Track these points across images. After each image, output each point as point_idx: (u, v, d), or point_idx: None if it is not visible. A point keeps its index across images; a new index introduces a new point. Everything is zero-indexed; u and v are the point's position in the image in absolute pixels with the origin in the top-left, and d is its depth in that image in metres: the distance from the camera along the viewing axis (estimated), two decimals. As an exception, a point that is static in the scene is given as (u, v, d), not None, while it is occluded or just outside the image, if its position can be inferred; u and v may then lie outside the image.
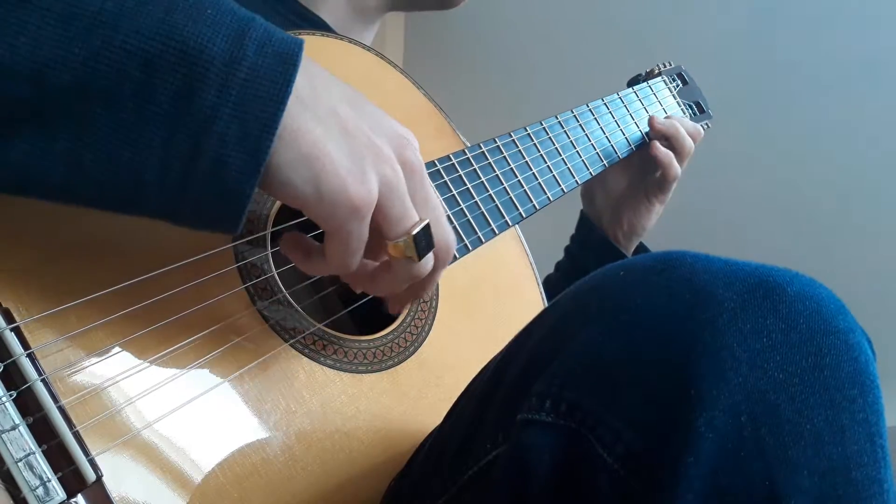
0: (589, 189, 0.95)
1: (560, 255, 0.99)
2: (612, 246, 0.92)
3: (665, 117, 0.90)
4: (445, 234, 0.47)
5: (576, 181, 0.78)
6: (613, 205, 0.93)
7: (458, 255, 0.65)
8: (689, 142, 0.87)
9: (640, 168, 0.90)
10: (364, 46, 0.70)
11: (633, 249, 0.94)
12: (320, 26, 0.78)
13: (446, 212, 0.58)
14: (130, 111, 0.35)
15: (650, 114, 0.89)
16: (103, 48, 0.34)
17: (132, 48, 0.34)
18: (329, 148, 0.39)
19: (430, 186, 0.45)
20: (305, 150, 0.38)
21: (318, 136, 0.39)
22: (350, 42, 0.69)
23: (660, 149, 0.86)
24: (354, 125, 0.41)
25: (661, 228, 0.94)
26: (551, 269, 0.99)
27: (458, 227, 0.66)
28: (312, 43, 0.66)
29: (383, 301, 0.54)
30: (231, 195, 0.37)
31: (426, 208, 0.45)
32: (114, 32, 0.34)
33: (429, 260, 0.45)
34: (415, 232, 0.43)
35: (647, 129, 0.88)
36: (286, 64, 0.38)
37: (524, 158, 0.74)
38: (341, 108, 0.41)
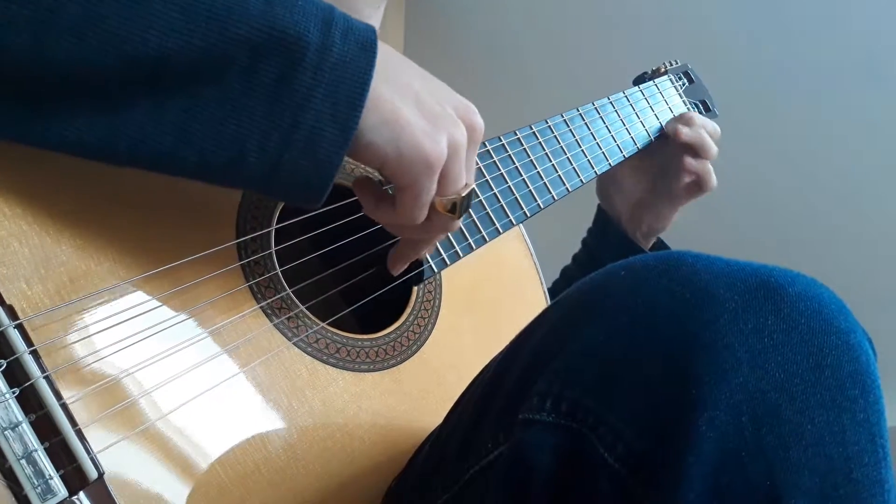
0: (604, 190, 0.94)
1: (564, 254, 0.99)
2: (631, 242, 0.91)
3: (675, 118, 0.88)
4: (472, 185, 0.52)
5: (581, 181, 0.78)
6: (632, 208, 0.91)
7: (461, 254, 0.65)
8: (714, 149, 0.86)
9: (662, 172, 0.88)
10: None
11: (650, 246, 0.93)
12: None
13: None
14: (238, 91, 0.39)
15: (656, 113, 0.89)
16: (219, 39, 0.38)
17: (242, 38, 0.39)
18: (406, 112, 0.44)
19: (476, 151, 0.50)
20: (386, 116, 0.43)
21: (396, 103, 0.44)
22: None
23: (690, 163, 0.85)
24: (426, 95, 0.46)
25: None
26: (555, 268, 0.98)
27: (461, 226, 0.66)
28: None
29: (388, 264, 0.58)
30: (322, 164, 0.41)
31: (471, 173, 0.50)
32: (226, 24, 0.38)
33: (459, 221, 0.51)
34: (464, 193, 0.48)
35: (653, 127, 0.88)
36: (367, 51, 0.42)
37: (529, 157, 0.74)
38: (414, 81, 0.46)
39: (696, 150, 0.85)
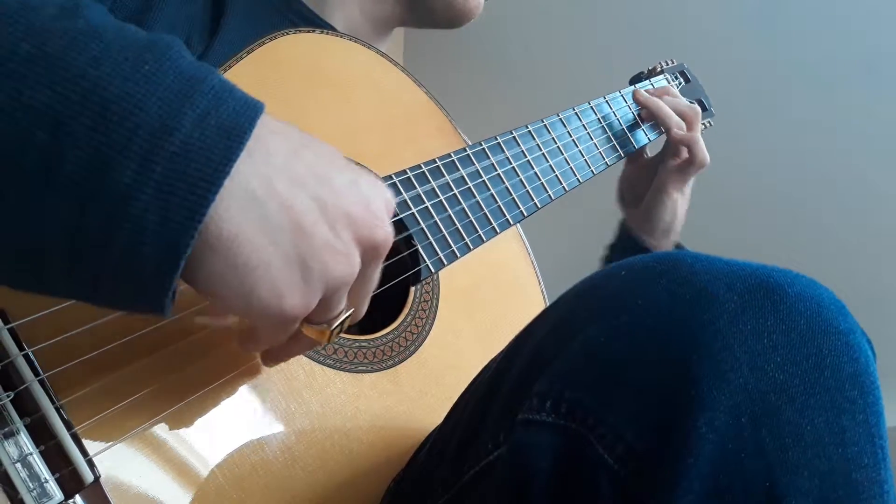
0: (621, 194, 0.94)
1: (562, 252, 0.99)
2: (646, 252, 0.88)
3: (651, 91, 0.88)
4: (362, 314, 0.44)
5: (578, 179, 0.78)
6: (646, 207, 0.90)
7: (458, 254, 0.65)
8: (696, 109, 0.85)
9: (659, 162, 0.89)
10: (366, 45, 0.70)
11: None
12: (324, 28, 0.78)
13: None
14: (35, 182, 0.29)
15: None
16: (6, 103, 0.29)
17: (40, 105, 0.29)
18: (271, 258, 0.34)
19: (379, 266, 0.42)
20: (241, 261, 0.33)
21: (260, 243, 0.33)
22: (352, 40, 0.69)
23: (677, 133, 0.84)
24: (313, 220, 0.35)
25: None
26: (552, 268, 0.98)
27: (458, 224, 0.66)
28: (313, 40, 0.66)
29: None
30: (148, 290, 0.32)
31: (362, 296, 0.42)
32: (20, 84, 0.29)
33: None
34: (336, 324, 0.40)
35: (651, 127, 0.88)
36: (230, 139, 0.32)
37: (526, 157, 0.74)
38: (300, 197, 0.35)
39: (676, 120, 0.84)
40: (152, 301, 0.33)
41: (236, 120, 0.32)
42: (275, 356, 0.46)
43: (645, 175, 0.90)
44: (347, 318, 0.41)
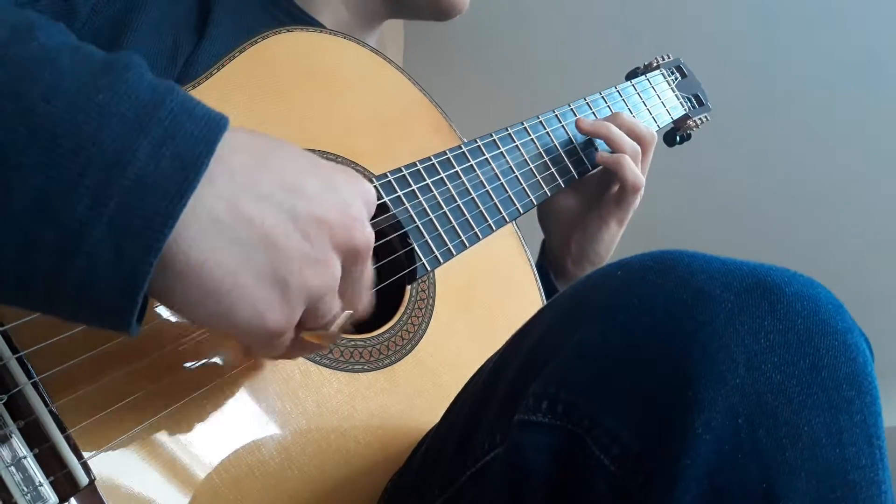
0: (541, 217, 0.84)
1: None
2: (547, 278, 0.80)
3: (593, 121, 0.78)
4: (364, 308, 0.43)
5: (574, 175, 0.77)
6: (563, 229, 0.81)
7: (454, 252, 0.64)
8: (627, 142, 0.75)
9: (599, 185, 0.79)
10: (360, 43, 0.70)
11: None
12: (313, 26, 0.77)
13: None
14: None
15: (648, 107, 0.88)
16: None
17: None
18: (245, 279, 0.33)
19: (368, 265, 0.41)
20: (214, 286, 0.32)
21: (230, 265, 0.33)
22: (345, 38, 0.69)
23: (602, 155, 0.76)
24: (284, 231, 0.34)
25: (658, 227, 0.92)
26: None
27: (454, 223, 0.65)
28: (306, 39, 0.66)
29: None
30: (108, 318, 0.32)
31: (356, 296, 0.41)
32: None
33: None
34: (332, 328, 0.40)
35: (647, 122, 0.87)
36: (186, 170, 0.30)
37: (521, 153, 0.74)
38: (269, 212, 0.34)
39: (605, 141, 0.76)
40: (116, 326, 0.32)
41: (194, 148, 0.31)
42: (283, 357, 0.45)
43: (571, 192, 0.81)
44: (346, 319, 0.40)
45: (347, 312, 0.41)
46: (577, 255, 0.80)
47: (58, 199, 0.29)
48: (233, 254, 0.33)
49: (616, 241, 0.81)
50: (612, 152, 0.77)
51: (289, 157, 0.37)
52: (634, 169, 0.75)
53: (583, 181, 0.79)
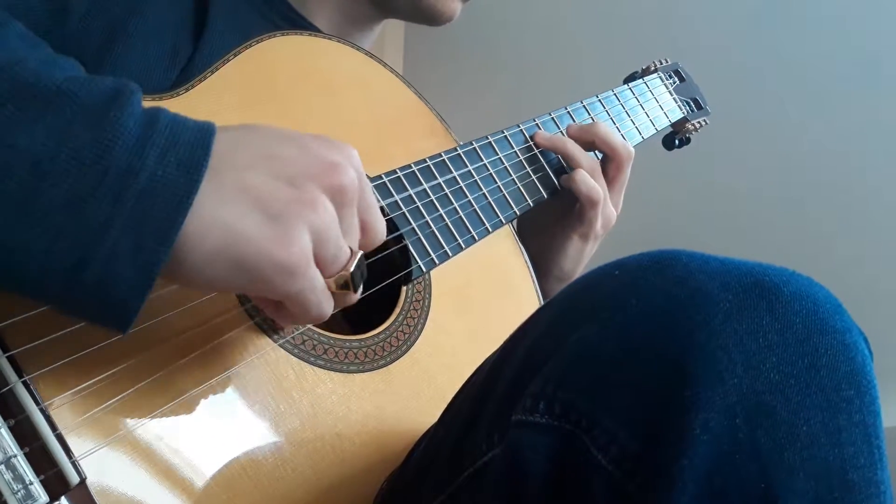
0: (520, 225, 0.81)
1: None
2: None
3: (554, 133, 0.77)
4: (379, 236, 0.46)
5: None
6: (531, 240, 0.78)
7: (451, 254, 0.64)
8: (582, 156, 0.75)
9: (568, 198, 0.77)
10: (354, 46, 0.70)
11: None
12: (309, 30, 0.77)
13: (382, 204, 0.58)
14: (12, 210, 0.34)
15: (646, 111, 0.88)
16: None
17: (23, 147, 0.34)
18: (241, 226, 0.37)
19: (369, 195, 0.44)
20: (218, 243, 0.37)
21: (228, 221, 0.37)
22: (340, 41, 0.69)
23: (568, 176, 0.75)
24: (268, 189, 0.39)
25: (657, 227, 0.92)
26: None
27: (450, 225, 0.65)
28: (300, 42, 0.66)
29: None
30: (118, 307, 0.36)
31: (353, 237, 0.43)
32: (10, 124, 0.34)
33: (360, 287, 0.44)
34: (351, 267, 0.42)
35: (643, 126, 0.87)
36: (190, 173, 0.36)
37: (518, 156, 0.74)
38: (250, 176, 0.39)
39: (560, 155, 0.76)
40: (119, 318, 0.36)
41: (193, 153, 0.37)
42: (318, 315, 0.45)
43: (550, 211, 0.79)
44: (356, 263, 0.43)
45: (360, 253, 0.43)
46: (543, 268, 0.79)
47: (84, 200, 0.34)
48: (227, 213, 0.37)
49: (585, 257, 0.80)
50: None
51: (265, 134, 0.42)
52: (589, 182, 0.73)
53: (557, 196, 0.77)
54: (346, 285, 0.42)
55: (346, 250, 0.42)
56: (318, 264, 0.41)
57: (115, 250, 0.34)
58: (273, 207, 0.38)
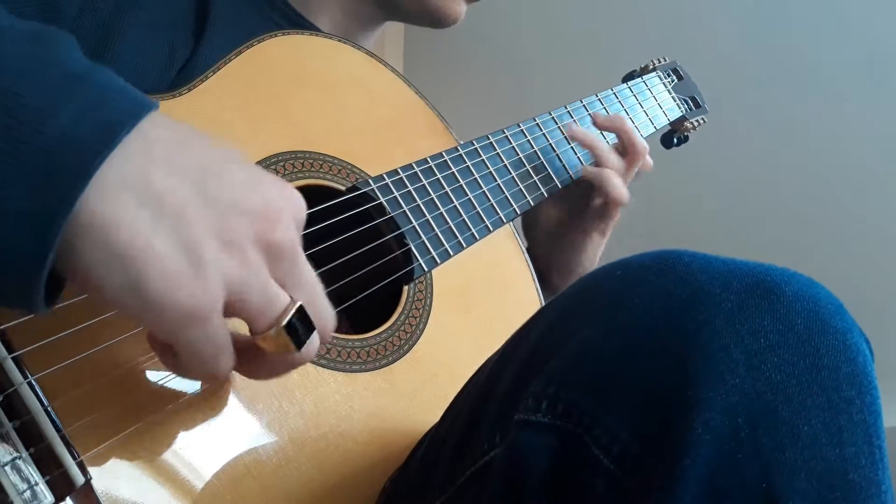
0: (525, 220, 0.83)
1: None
2: None
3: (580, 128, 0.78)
4: (322, 312, 0.40)
5: (570, 177, 0.78)
6: (547, 239, 0.80)
7: (451, 253, 0.64)
8: (614, 158, 0.76)
9: (583, 196, 0.78)
10: (355, 46, 0.70)
11: None
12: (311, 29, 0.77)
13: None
14: None
15: (644, 109, 0.88)
16: None
17: None
18: (153, 243, 0.32)
19: (303, 265, 0.39)
20: (122, 249, 0.31)
21: (140, 228, 0.32)
22: (341, 41, 0.69)
23: (588, 170, 0.76)
24: (196, 210, 0.33)
25: (657, 228, 0.92)
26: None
27: (451, 223, 0.65)
28: (301, 42, 0.66)
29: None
30: (20, 278, 0.31)
31: (299, 290, 0.38)
32: None
33: (313, 342, 0.39)
34: (285, 322, 0.37)
35: (642, 125, 0.88)
36: (107, 133, 0.31)
37: (517, 155, 0.74)
38: (181, 187, 0.33)
39: (594, 154, 0.76)
40: (25, 292, 0.31)
41: (119, 116, 0.32)
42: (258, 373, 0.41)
43: (558, 205, 0.81)
44: (295, 314, 0.37)
45: (297, 304, 0.38)
46: (563, 267, 0.79)
47: None
48: (142, 218, 0.32)
49: (599, 253, 0.81)
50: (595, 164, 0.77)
51: (218, 149, 0.37)
52: (619, 184, 0.75)
53: (567, 192, 0.79)
54: (282, 342, 0.37)
55: (280, 302, 0.37)
56: (241, 315, 0.36)
57: (5, 207, 0.30)
58: (190, 235, 0.33)
